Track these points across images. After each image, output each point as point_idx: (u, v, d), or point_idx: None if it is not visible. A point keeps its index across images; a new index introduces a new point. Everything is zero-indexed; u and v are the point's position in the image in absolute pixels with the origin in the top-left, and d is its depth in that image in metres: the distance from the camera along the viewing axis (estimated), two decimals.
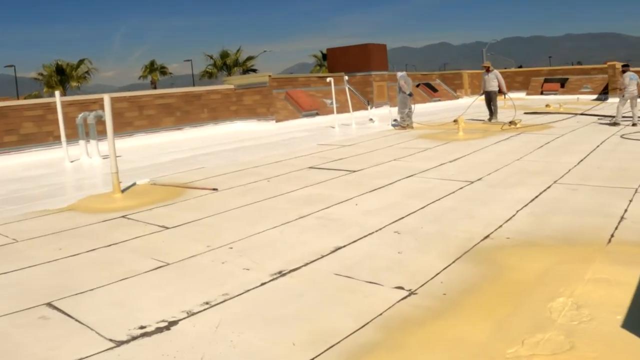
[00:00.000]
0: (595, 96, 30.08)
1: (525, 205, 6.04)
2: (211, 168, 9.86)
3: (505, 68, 50.98)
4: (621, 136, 11.99)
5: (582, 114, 18.99)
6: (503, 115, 18.36)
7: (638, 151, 9.85)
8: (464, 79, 31.69)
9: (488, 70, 17.53)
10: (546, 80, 32.76)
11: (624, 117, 14.49)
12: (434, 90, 29.14)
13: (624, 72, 15.02)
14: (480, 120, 17.28)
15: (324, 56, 56.39)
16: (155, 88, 64.42)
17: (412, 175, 8.08)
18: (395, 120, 16.53)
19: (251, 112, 18.52)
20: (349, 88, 18.96)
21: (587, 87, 31.36)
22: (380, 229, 5.37)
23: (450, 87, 31.50)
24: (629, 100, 14.37)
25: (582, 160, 8.91)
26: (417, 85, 28.02)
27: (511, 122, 14.87)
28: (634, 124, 13.85)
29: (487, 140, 11.93)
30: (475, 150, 10.50)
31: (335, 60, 23.69)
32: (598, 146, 10.49)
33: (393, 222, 5.57)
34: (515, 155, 9.71)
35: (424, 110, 22.09)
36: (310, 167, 9.32)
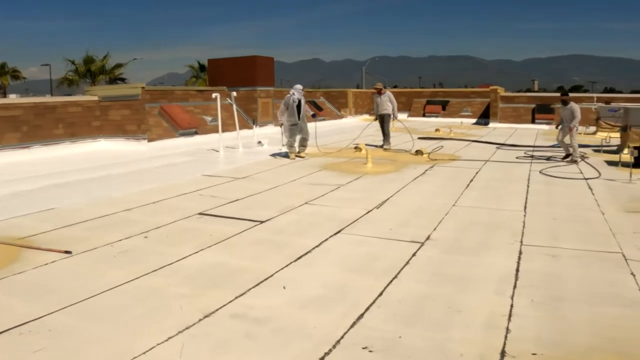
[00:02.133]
0: (475, 120, 30.78)
1: (515, 287, 4.59)
2: (65, 211, 7.50)
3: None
4: (540, 172, 11.32)
5: (476, 141, 18.71)
6: (396, 139, 17.53)
7: (573, 193, 9.05)
8: (349, 97, 30.98)
9: (380, 92, 16.38)
10: (428, 102, 33.12)
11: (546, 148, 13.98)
12: (319, 108, 28.02)
13: (565, 102, 13.77)
14: (377, 146, 16.16)
15: (202, 67, 53.60)
16: (4, 94, 57.72)
17: (340, 231, 6.40)
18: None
19: (118, 129, 15.89)
20: (233, 105, 17.03)
21: (467, 110, 32.08)
22: (339, 341, 3.61)
23: (334, 105, 30.62)
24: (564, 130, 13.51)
25: (526, 207, 7.82)
26: (313, 116, 26.73)
27: (417, 152, 13.87)
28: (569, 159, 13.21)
29: (403, 175, 10.64)
30: (397, 189, 9.10)
31: (218, 73, 21.57)
32: (529, 186, 9.59)
33: (352, 326, 3.83)
34: (446, 198, 8.44)
35: (310, 130, 20.73)
36: (201, 214, 7.31)
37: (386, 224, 6.73)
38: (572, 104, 13.45)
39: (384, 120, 16.29)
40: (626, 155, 12.52)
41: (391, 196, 8.48)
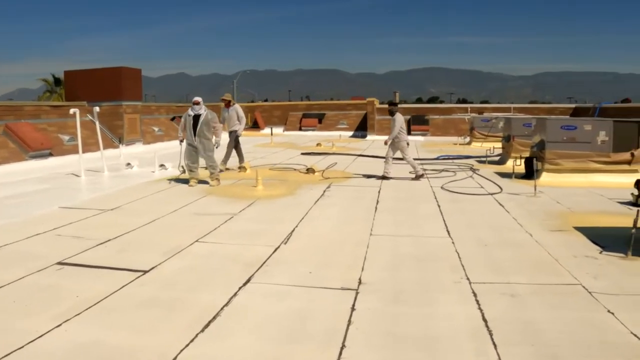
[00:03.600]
0: (352, 132, 30.73)
1: (495, 345, 3.70)
2: None
3: (252, 101, 50.76)
4: (442, 187, 10.85)
5: (362, 155, 18.27)
6: (278, 156, 16.60)
7: (487, 211, 8.58)
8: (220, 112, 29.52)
9: (229, 104, 13.74)
10: (304, 116, 32.61)
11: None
12: None
13: (392, 112, 12.44)
14: (257, 165, 15.04)
15: (57, 81, 48.89)
16: None
17: (250, 279, 5.17)
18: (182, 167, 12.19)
19: None
20: (96, 122, 15.05)
21: (343, 122, 31.99)
22: None
23: None
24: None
25: (449, 231, 7.10)
26: (172, 119, 24.95)
27: (309, 170, 12.93)
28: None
29: (300, 199, 9.59)
30: (300, 217, 8.02)
31: (76, 86, 19.23)
32: (439, 205, 8.96)
33: None
34: (359, 225, 7.52)
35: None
36: (60, 264, 5.70)
37: (303, 265, 5.61)
38: (397, 115, 12.12)
39: (233, 138, 13.78)
40: (520, 167, 12.48)
41: (296, 226, 7.38)
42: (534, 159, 12.16)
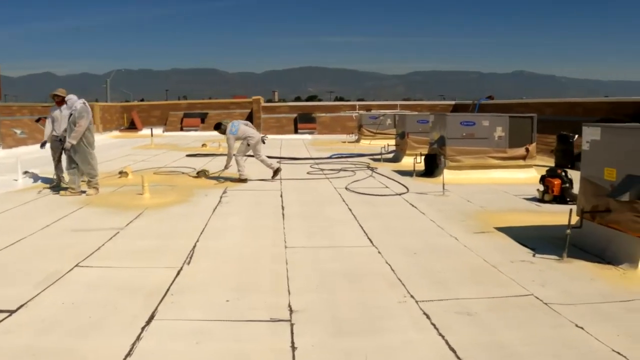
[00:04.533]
0: None
1: None
2: None
3: (126, 101, 48.10)
4: (346, 188, 10.29)
5: (252, 156, 17.37)
6: (160, 158, 15.37)
7: (402, 214, 8.13)
8: (95, 112, 27.29)
9: (62, 102, 10.06)
10: (186, 115, 31.11)
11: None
12: None
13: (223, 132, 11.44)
14: (147, 169, 13.72)
15: None
16: None
17: (154, 315, 4.15)
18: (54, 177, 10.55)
19: None
20: None
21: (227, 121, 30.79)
22: None
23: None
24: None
25: (371, 239, 6.48)
26: (37, 120, 22.63)
27: (200, 173, 11.87)
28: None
29: (196, 207, 8.56)
30: (200, 228, 7.02)
31: None
32: (350, 209, 8.33)
33: None
34: (269, 236, 6.69)
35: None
36: None
37: (216, 291, 4.68)
38: (228, 137, 11.18)
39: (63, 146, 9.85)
40: (420, 165, 12.23)
41: (197, 241, 6.38)
42: (437, 156, 12.01)
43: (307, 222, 7.43)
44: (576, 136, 14.63)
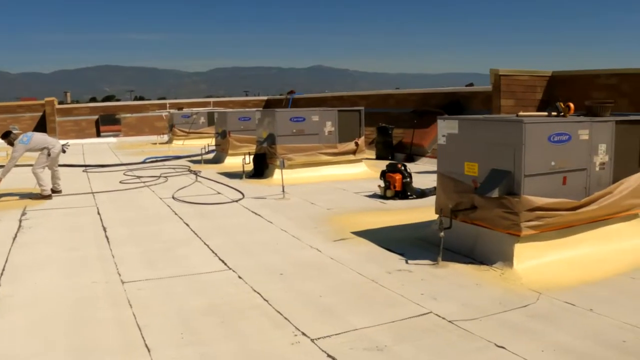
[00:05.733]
0: None
1: None
2: None
3: None
4: (174, 198, 9.01)
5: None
6: None
7: (248, 225, 7.23)
8: None
9: None
10: None
11: None
12: None
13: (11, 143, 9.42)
14: None
15: None
16: None
17: None
18: None
19: None
20: None
21: (15, 128, 26.92)
22: None
23: None
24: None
25: (224, 261, 5.44)
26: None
27: None
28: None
29: None
30: None
31: None
32: (187, 224, 7.16)
33: None
34: (99, 268, 5.35)
35: None
36: None
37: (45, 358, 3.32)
38: (16, 146, 9.27)
39: None
40: (249, 165, 11.32)
41: (0, 285, 4.77)
42: (266, 155, 11.20)
43: (140, 245, 6.11)
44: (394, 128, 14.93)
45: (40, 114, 26.05)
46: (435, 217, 5.96)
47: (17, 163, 9.43)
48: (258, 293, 4.51)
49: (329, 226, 6.83)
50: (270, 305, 4.25)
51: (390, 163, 9.16)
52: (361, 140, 11.72)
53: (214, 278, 4.95)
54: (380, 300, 4.35)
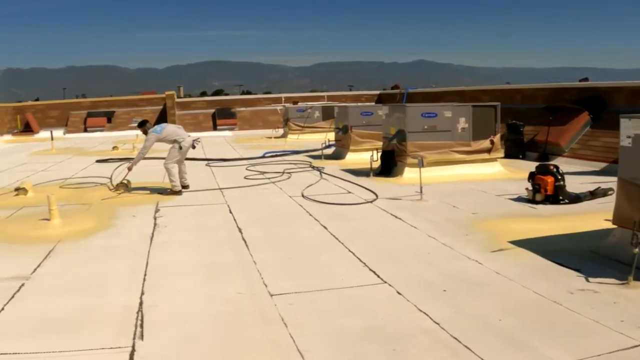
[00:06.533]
0: None
1: None
2: None
3: (19, 102, 43.95)
4: (303, 196, 8.69)
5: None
6: (63, 167, 13.10)
7: (386, 229, 6.68)
8: None
9: None
10: (90, 115, 28.14)
11: None
12: None
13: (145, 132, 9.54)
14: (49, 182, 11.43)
15: None
16: None
17: None
18: None
19: None
20: None
21: (137, 120, 28.10)
22: None
23: None
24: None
25: (377, 273, 4.93)
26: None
27: (120, 185, 9.75)
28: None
29: (124, 236, 6.63)
30: (139, 272, 5.22)
31: None
32: (325, 227, 6.73)
33: None
34: (239, 276, 5.01)
35: None
36: None
37: None
38: (149, 135, 9.32)
39: None
40: (376, 163, 10.80)
41: (142, 294, 4.55)
42: (394, 153, 10.65)
43: (279, 250, 5.76)
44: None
45: (161, 107, 27.10)
46: (605, 226, 5.20)
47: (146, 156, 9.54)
48: (425, 313, 3.96)
49: (480, 233, 6.15)
50: (443, 329, 3.69)
51: (540, 164, 8.28)
52: (497, 138, 10.85)
53: (368, 293, 4.45)
54: (572, 326, 3.67)
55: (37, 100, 48.02)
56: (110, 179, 10.08)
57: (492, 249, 5.56)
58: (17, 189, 9.62)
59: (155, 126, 9.56)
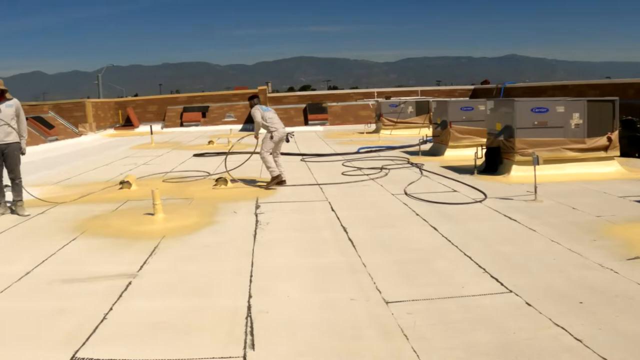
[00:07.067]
0: (241, 126, 27.58)
1: None
2: None
3: (119, 97, 46.11)
4: (406, 194, 8.33)
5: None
6: (162, 162, 13.38)
7: (506, 234, 6.18)
8: (88, 110, 25.22)
9: (2, 96, 7.62)
10: (186, 110, 28.99)
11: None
12: (50, 126, 21.93)
13: (251, 106, 9.82)
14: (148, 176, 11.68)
15: None
16: None
17: None
18: None
19: None
20: None
21: (230, 115, 28.81)
22: None
23: (68, 121, 24.58)
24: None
25: (499, 280, 4.51)
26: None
27: (219, 180, 9.77)
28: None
29: (227, 232, 6.54)
30: (244, 272, 5.09)
31: None
32: (436, 228, 6.35)
33: None
34: (349, 280, 4.75)
35: (39, 159, 15.40)
36: None
37: None
38: (254, 109, 9.61)
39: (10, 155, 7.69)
40: (480, 160, 10.27)
41: (250, 297, 4.37)
42: (500, 149, 10.06)
43: (390, 253, 5.44)
44: None
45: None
46: None
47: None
48: (563, 329, 3.54)
49: (610, 239, 5.56)
50: (587, 347, 3.26)
51: None
52: (614, 135, 9.98)
53: (493, 303, 4.05)
54: None
55: (136, 95, 50.21)
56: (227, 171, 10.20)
57: (626, 256, 4.99)
58: (121, 183, 9.87)
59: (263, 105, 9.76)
